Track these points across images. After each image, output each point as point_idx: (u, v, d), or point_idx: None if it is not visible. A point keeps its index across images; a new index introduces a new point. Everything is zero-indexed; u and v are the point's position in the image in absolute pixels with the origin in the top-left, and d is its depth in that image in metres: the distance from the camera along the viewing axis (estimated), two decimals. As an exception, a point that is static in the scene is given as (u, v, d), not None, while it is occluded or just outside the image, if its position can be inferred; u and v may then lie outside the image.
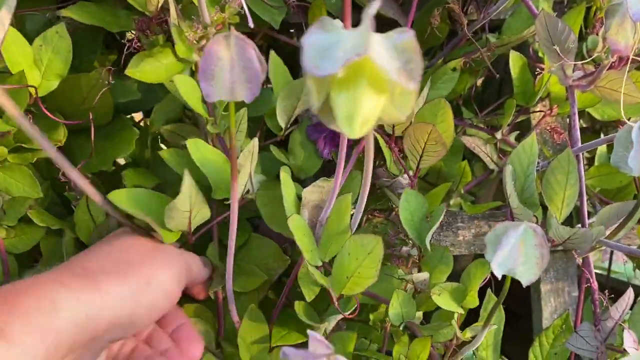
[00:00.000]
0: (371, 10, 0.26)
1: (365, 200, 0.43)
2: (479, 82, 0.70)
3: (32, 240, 0.48)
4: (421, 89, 0.53)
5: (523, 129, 0.62)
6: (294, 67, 0.56)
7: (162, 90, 0.53)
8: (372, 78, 0.27)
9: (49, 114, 0.47)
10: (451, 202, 0.58)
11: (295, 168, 0.51)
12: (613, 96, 0.51)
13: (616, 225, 0.49)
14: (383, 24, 0.58)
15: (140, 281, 0.40)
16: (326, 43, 0.27)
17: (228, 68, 0.30)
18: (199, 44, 0.46)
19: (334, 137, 0.51)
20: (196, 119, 0.51)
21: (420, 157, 0.49)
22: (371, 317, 0.52)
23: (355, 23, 0.26)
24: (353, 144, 0.48)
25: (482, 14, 0.55)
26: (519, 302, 0.71)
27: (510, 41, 0.56)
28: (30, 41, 0.48)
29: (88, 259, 0.41)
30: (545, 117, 0.58)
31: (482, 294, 0.53)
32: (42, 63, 0.47)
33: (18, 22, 0.53)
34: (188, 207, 0.43)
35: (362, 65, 0.26)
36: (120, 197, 0.42)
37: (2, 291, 0.35)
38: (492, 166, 0.59)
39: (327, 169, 0.51)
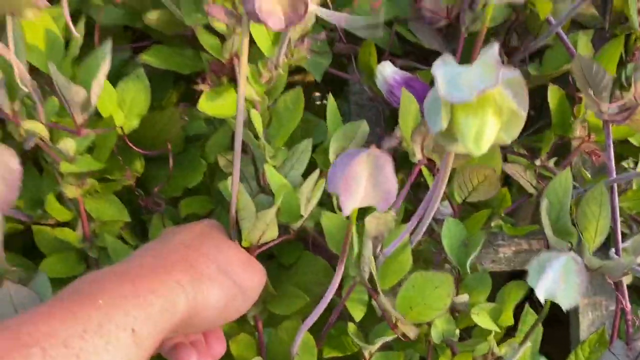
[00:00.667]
0: (496, 49, 0.32)
1: (427, 224, 0.47)
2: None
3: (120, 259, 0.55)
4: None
5: (563, 151, 0.65)
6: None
7: (218, 122, 0.59)
8: (494, 105, 0.33)
9: (133, 146, 0.54)
10: (492, 224, 0.62)
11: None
12: (647, 129, 0.54)
13: (649, 252, 0.52)
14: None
15: (235, 293, 0.43)
16: (455, 74, 0.32)
17: (365, 181, 0.35)
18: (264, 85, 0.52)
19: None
20: (249, 149, 0.57)
21: (469, 193, 0.53)
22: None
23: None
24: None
25: (523, 46, 0.59)
26: (559, 307, 0.75)
27: (549, 74, 0.59)
28: (109, 77, 0.55)
29: (197, 256, 0.43)
30: (583, 144, 0.61)
31: (519, 306, 0.57)
32: (126, 104, 0.53)
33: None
34: (268, 220, 0.48)
35: (489, 95, 0.32)
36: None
37: (128, 278, 0.37)
38: (531, 190, 0.62)
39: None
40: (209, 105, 0.51)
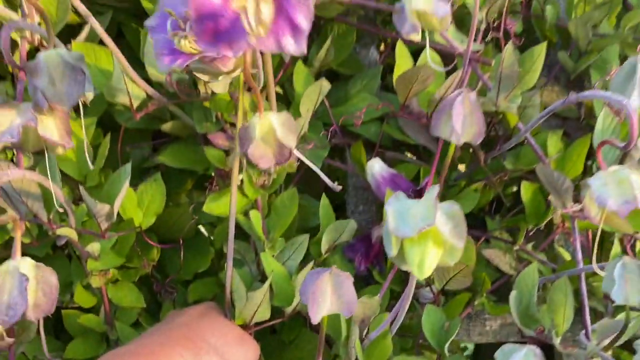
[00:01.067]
0: (436, 193, 0.39)
1: (404, 314, 0.54)
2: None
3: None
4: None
5: (541, 234, 0.71)
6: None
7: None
8: (435, 238, 0.39)
9: (149, 241, 0.61)
10: (475, 303, 0.68)
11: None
12: (610, 223, 0.60)
13: (613, 337, 0.57)
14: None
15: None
16: (401, 210, 0.40)
17: (329, 294, 0.43)
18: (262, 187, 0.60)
19: (367, 256, 0.63)
20: (251, 239, 0.64)
21: (446, 282, 0.60)
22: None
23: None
24: (388, 263, 0.59)
25: (499, 146, 0.65)
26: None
27: (522, 169, 0.65)
28: (131, 172, 0.63)
29: (196, 334, 0.51)
30: (558, 230, 0.67)
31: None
32: (144, 204, 0.61)
33: (124, 157, 0.68)
34: (258, 302, 0.55)
35: (429, 230, 0.39)
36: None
37: (140, 352, 0.46)
38: (511, 272, 0.68)
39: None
40: (213, 206, 0.59)
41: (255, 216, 0.59)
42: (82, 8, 0.49)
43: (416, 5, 0.50)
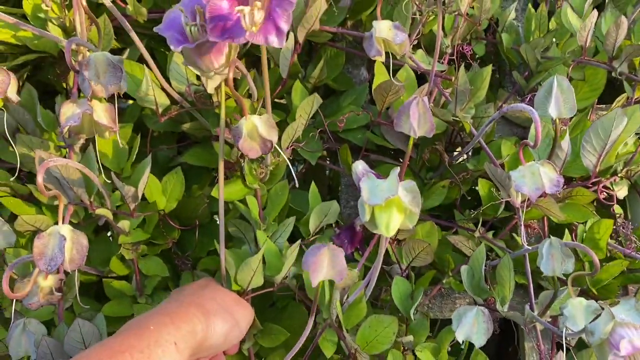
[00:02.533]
0: (397, 174, 0.53)
1: (374, 281, 0.67)
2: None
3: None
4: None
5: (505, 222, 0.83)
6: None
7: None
8: (398, 205, 0.54)
9: (171, 222, 0.76)
10: (444, 281, 0.80)
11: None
12: (548, 212, 0.72)
13: (546, 305, 0.70)
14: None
15: (233, 324, 0.61)
16: (372, 187, 0.54)
17: (326, 265, 0.57)
18: (260, 177, 0.74)
19: (352, 242, 0.76)
20: (251, 223, 0.78)
21: (412, 259, 0.73)
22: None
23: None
24: (367, 244, 0.73)
25: (459, 152, 0.78)
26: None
27: (483, 169, 0.78)
28: (160, 169, 0.77)
29: (202, 300, 0.61)
30: (514, 221, 0.80)
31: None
32: (167, 192, 0.76)
33: (153, 156, 0.83)
34: (255, 268, 0.68)
35: (393, 200, 0.53)
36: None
37: (165, 313, 0.57)
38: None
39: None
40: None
41: (252, 201, 0.73)
42: (133, 34, 0.64)
43: (380, 34, 0.64)
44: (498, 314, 0.77)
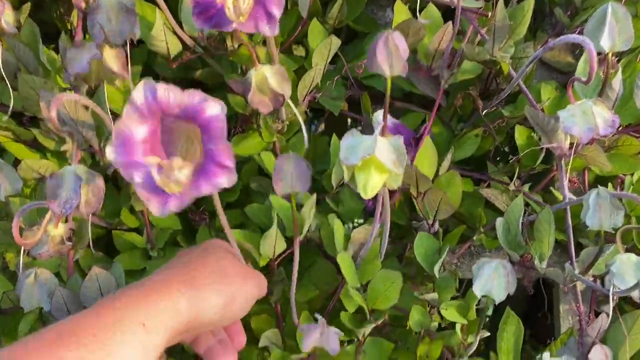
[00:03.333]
0: (381, 125, 0.47)
1: (387, 238, 0.62)
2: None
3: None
4: (444, 153, 0.71)
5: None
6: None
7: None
8: (377, 165, 0.48)
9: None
10: (474, 238, 0.75)
11: (342, 215, 0.71)
12: (594, 162, 0.66)
13: (589, 264, 0.64)
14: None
15: (229, 296, 0.53)
16: (352, 144, 0.48)
17: (289, 175, 0.51)
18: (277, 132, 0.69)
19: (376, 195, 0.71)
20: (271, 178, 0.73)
21: (435, 212, 0.67)
22: (407, 324, 0.71)
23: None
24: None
25: (496, 97, 0.71)
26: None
27: (520, 115, 0.72)
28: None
29: (193, 268, 0.52)
30: (553, 173, 0.73)
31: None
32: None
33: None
34: (274, 238, 0.64)
35: (372, 158, 0.47)
36: (236, 233, 0.65)
37: (140, 288, 0.48)
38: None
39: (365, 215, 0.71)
40: (236, 148, 0.69)
41: (267, 157, 0.68)
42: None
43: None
44: (534, 274, 0.72)
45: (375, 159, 0.46)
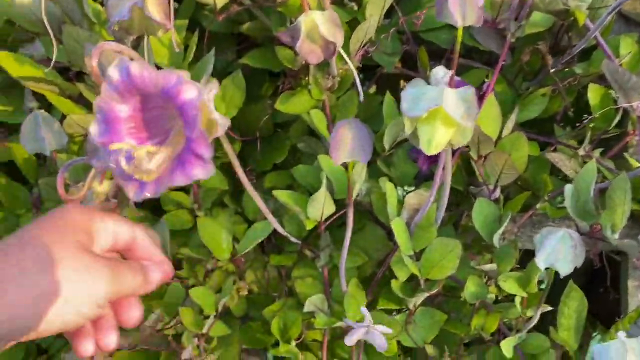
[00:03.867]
0: (445, 77, 0.43)
1: (445, 204, 0.58)
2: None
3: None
4: (508, 114, 0.65)
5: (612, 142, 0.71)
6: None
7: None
8: (443, 117, 0.44)
9: (231, 133, 0.69)
10: (538, 206, 0.70)
11: (394, 179, 0.67)
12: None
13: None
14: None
15: (50, 295, 0.38)
16: (416, 95, 0.44)
17: (350, 142, 0.48)
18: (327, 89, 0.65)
19: (430, 156, 0.66)
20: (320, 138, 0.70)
21: (498, 177, 0.62)
22: (462, 295, 0.67)
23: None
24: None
25: (568, 52, 0.65)
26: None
27: (595, 72, 0.65)
28: (217, 75, 0.70)
29: (28, 266, 0.38)
30: (629, 137, 0.67)
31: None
32: (226, 98, 0.68)
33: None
34: (322, 201, 0.62)
35: (438, 110, 0.43)
36: (283, 195, 0.63)
37: None
38: (574, 176, 0.69)
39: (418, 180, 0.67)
40: (285, 105, 0.65)
41: (317, 115, 0.64)
42: None
43: None
44: (601, 246, 0.66)
45: (443, 111, 0.42)
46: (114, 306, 0.45)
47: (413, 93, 0.44)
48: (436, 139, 0.43)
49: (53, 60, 0.59)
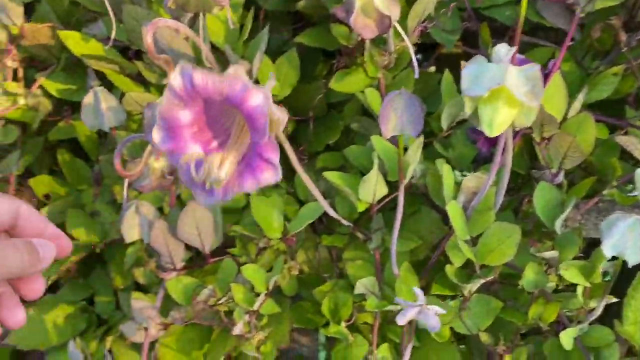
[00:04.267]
0: (509, 55, 0.41)
1: (504, 187, 0.56)
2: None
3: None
4: (575, 95, 0.62)
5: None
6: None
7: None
8: (506, 97, 0.42)
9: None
10: (605, 192, 0.66)
11: (452, 160, 0.64)
12: None
13: None
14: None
15: None
16: (477, 73, 0.42)
17: (399, 115, 0.46)
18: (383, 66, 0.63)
19: (493, 138, 0.64)
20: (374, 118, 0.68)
21: (562, 160, 0.59)
22: (519, 282, 0.65)
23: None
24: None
25: (644, 27, 0.60)
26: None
27: (673, 50, 0.60)
28: (272, 55, 0.69)
29: None
30: None
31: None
32: (280, 77, 0.68)
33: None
34: (374, 182, 0.60)
35: (500, 89, 0.41)
36: (334, 176, 0.62)
37: None
38: (647, 162, 0.64)
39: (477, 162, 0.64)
40: (339, 84, 0.64)
41: (372, 94, 0.63)
42: None
43: None
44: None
45: (506, 90, 0.40)
46: (13, 282, 0.42)
47: (474, 71, 0.42)
48: (498, 120, 0.41)
49: (112, 37, 0.60)
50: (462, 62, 0.74)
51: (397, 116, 0.47)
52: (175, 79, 0.38)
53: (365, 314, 0.70)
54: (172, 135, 0.40)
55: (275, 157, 0.38)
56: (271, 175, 0.39)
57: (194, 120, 0.40)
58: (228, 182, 0.40)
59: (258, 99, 0.36)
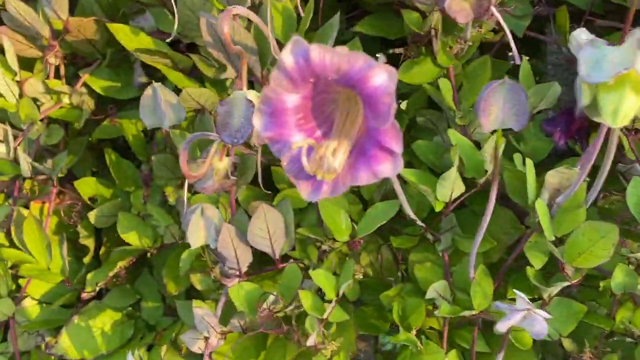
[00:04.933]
0: (637, 37, 0.36)
1: (601, 183, 0.51)
2: None
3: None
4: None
5: None
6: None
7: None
8: (635, 83, 0.37)
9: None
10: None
11: (525, 154, 0.60)
12: None
13: None
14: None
15: None
16: (597, 57, 0.38)
17: (501, 107, 0.42)
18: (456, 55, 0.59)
19: (568, 130, 0.59)
20: (443, 111, 0.64)
21: (656, 148, 0.55)
22: (601, 284, 0.61)
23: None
24: (589, 137, 0.55)
25: None
26: None
27: None
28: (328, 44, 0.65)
29: None
30: None
31: None
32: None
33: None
34: (453, 180, 0.56)
35: (627, 75, 0.37)
36: (410, 174, 0.58)
37: None
38: None
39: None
40: (407, 75, 0.60)
41: (445, 85, 0.59)
42: None
43: None
44: None
45: (635, 75, 0.35)
46: None
47: (592, 55, 0.38)
48: (624, 109, 0.37)
49: (175, 28, 0.56)
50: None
51: (499, 108, 0.42)
52: (287, 56, 0.33)
53: (430, 318, 0.67)
54: (276, 121, 0.36)
55: (398, 146, 0.34)
56: (390, 166, 0.34)
57: (300, 106, 0.36)
58: (338, 175, 0.36)
59: (382, 78, 0.32)
